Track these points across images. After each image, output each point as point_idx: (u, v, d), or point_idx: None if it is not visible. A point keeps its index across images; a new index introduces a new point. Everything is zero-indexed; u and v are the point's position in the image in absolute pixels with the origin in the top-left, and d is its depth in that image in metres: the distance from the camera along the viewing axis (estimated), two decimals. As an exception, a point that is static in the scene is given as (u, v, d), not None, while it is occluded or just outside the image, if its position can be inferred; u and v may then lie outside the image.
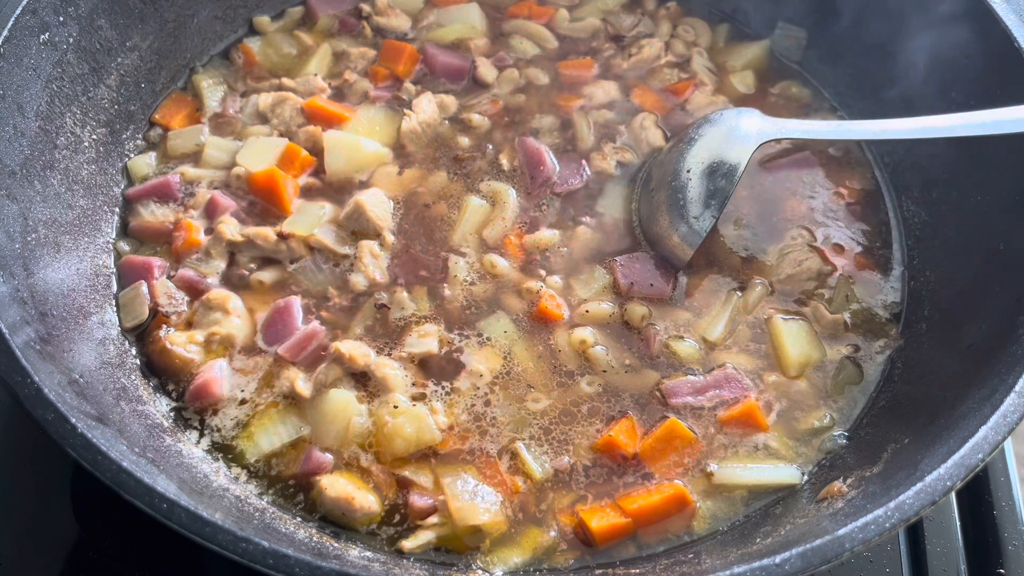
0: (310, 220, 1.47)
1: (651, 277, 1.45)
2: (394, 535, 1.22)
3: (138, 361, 1.36)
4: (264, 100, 1.64)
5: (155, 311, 1.39)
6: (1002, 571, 1.31)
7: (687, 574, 1.08)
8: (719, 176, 1.42)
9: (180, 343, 1.35)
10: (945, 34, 1.50)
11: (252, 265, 1.45)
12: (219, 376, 1.32)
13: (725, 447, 1.31)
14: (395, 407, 1.29)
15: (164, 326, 1.37)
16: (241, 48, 1.73)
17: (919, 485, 0.98)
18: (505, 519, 1.23)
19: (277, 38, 1.77)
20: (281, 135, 1.59)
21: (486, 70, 1.71)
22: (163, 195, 1.52)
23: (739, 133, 1.45)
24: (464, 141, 1.62)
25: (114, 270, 1.45)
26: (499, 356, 1.36)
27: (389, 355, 1.35)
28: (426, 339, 1.36)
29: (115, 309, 1.40)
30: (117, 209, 1.51)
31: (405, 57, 1.72)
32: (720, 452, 1.30)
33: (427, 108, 1.63)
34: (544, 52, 1.78)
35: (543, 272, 1.46)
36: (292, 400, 1.32)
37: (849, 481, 1.19)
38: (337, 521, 1.23)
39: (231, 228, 1.45)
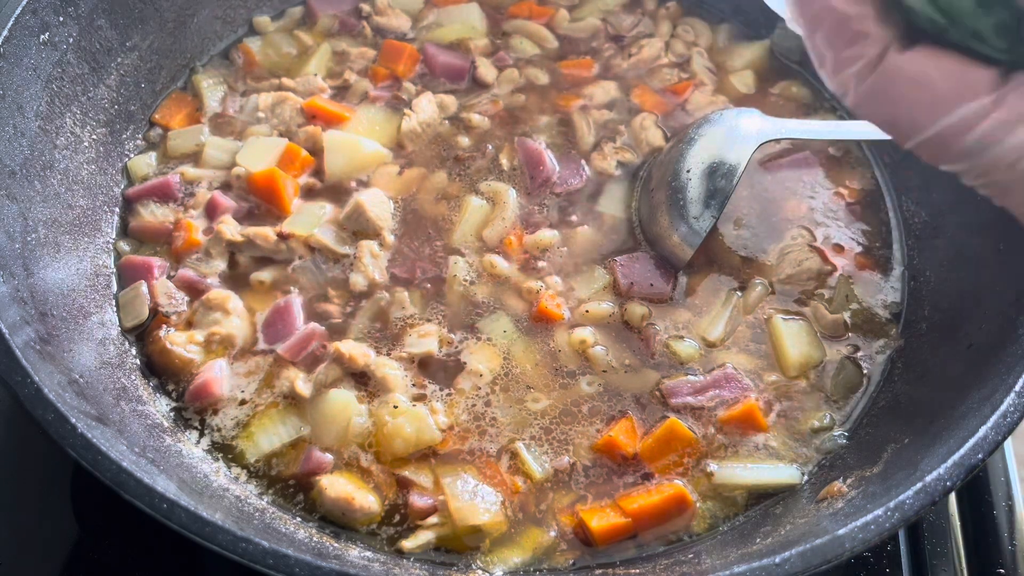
0: (310, 220, 1.47)
1: (651, 277, 1.45)
2: (394, 535, 1.22)
3: (138, 361, 1.36)
4: (264, 100, 1.64)
5: (155, 311, 1.39)
6: (1002, 571, 1.31)
7: (687, 574, 1.08)
8: (719, 176, 1.42)
9: (180, 343, 1.35)
10: (945, 34, 1.50)
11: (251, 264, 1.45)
12: (219, 376, 1.32)
13: (725, 447, 1.31)
14: (395, 407, 1.29)
15: (164, 326, 1.37)
16: (241, 48, 1.73)
17: (919, 485, 0.98)
18: (505, 519, 1.23)
19: (277, 38, 1.77)
20: (281, 135, 1.59)
21: (486, 70, 1.71)
22: (163, 195, 1.52)
23: (739, 133, 1.45)
24: (464, 141, 1.62)
25: (114, 270, 1.45)
26: (499, 356, 1.36)
27: (389, 355, 1.35)
28: (426, 339, 1.36)
29: (115, 309, 1.40)
30: (117, 209, 1.51)
31: (405, 57, 1.72)
32: (720, 452, 1.30)
33: (427, 108, 1.63)
34: (544, 52, 1.78)
35: (543, 272, 1.46)
36: (292, 400, 1.32)
37: (849, 481, 1.19)
38: (337, 521, 1.23)
39: (231, 228, 1.45)
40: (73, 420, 0.98)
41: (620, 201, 1.55)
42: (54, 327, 1.20)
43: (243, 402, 1.32)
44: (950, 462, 0.99)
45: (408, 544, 1.19)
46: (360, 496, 1.21)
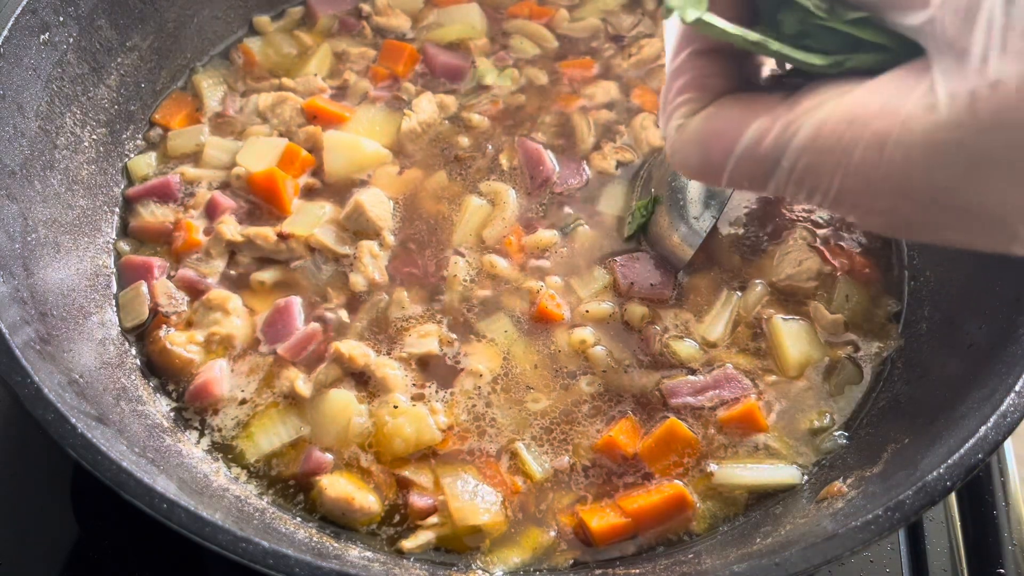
0: (310, 220, 1.47)
1: (651, 277, 1.45)
2: (394, 535, 1.22)
3: (138, 361, 1.36)
4: (264, 100, 1.64)
5: (155, 311, 1.39)
6: (1002, 571, 1.31)
7: (687, 574, 1.08)
8: (719, 176, 1.41)
9: (180, 343, 1.35)
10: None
11: (252, 265, 1.45)
12: (219, 376, 1.32)
13: (725, 447, 1.31)
14: (395, 407, 1.29)
15: (164, 326, 1.37)
16: (241, 48, 1.73)
17: (919, 485, 0.98)
18: (505, 519, 1.23)
19: (277, 38, 1.77)
20: (281, 135, 1.59)
21: (486, 70, 1.71)
22: (163, 195, 1.52)
23: (739, 133, 1.45)
24: (464, 141, 1.62)
25: (114, 270, 1.45)
26: (499, 356, 1.36)
27: (389, 355, 1.35)
28: (426, 339, 1.36)
29: (115, 309, 1.40)
30: (117, 209, 1.51)
31: (405, 57, 1.72)
32: (720, 452, 1.30)
33: (427, 108, 1.63)
34: (544, 52, 1.78)
35: (543, 272, 1.46)
36: (292, 400, 1.32)
37: (849, 481, 1.19)
38: (337, 521, 1.23)
39: (231, 228, 1.45)
40: (73, 420, 0.98)
41: (620, 201, 1.55)
42: (54, 327, 1.20)
43: (243, 402, 1.32)
44: (950, 462, 0.99)
45: (408, 544, 1.19)
46: (360, 496, 1.21)
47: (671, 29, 0.85)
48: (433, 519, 1.22)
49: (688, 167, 0.85)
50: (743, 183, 0.82)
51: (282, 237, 1.44)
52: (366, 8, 1.80)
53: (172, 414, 1.31)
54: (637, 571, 1.16)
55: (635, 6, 1.86)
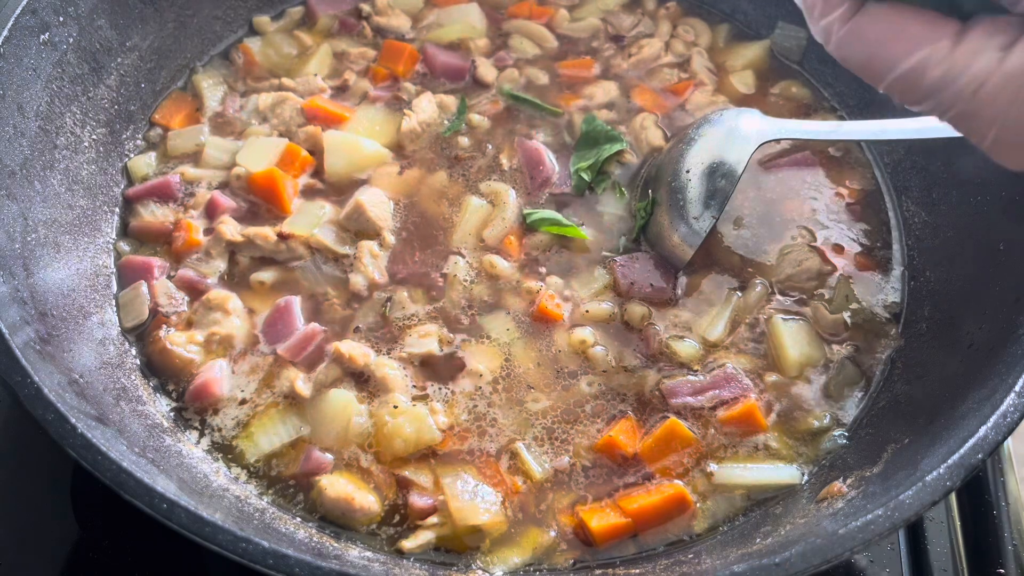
0: (310, 220, 1.47)
1: (651, 277, 1.45)
2: (394, 535, 1.22)
3: (138, 361, 1.36)
4: (264, 100, 1.64)
5: (155, 311, 1.39)
6: (1002, 571, 1.31)
7: (687, 574, 1.08)
8: (719, 176, 1.41)
9: (180, 343, 1.35)
10: (945, 34, 1.50)
11: (251, 266, 1.45)
12: (219, 376, 1.32)
13: (725, 447, 1.31)
14: (395, 407, 1.29)
15: (164, 326, 1.37)
16: (241, 48, 1.73)
17: (919, 485, 0.98)
18: (505, 519, 1.23)
19: (277, 38, 1.77)
20: (281, 135, 1.59)
21: (486, 70, 1.71)
22: (163, 195, 1.52)
23: (739, 133, 1.45)
24: (464, 141, 1.62)
25: (114, 270, 1.45)
26: (499, 356, 1.36)
27: (389, 355, 1.35)
28: (426, 339, 1.36)
29: (115, 309, 1.40)
30: (117, 209, 1.51)
31: (405, 57, 1.72)
32: (720, 452, 1.30)
33: (427, 108, 1.63)
34: (544, 52, 1.78)
35: (543, 272, 1.46)
36: (292, 400, 1.32)
37: (849, 481, 1.19)
38: (337, 521, 1.23)
39: (231, 228, 1.45)
40: (73, 420, 0.98)
41: (620, 201, 1.55)
42: (54, 327, 1.20)
43: (243, 402, 1.32)
44: (950, 462, 0.99)
45: (408, 544, 1.19)
46: (360, 496, 1.21)
47: None
48: (433, 519, 1.22)
49: (849, 65, 0.89)
50: (896, 95, 0.88)
51: (282, 237, 1.44)
52: (366, 8, 1.80)
53: (172, 414, 1.31)
54: (637, 571, 1.16)
55: (635, 6, 1.86)
